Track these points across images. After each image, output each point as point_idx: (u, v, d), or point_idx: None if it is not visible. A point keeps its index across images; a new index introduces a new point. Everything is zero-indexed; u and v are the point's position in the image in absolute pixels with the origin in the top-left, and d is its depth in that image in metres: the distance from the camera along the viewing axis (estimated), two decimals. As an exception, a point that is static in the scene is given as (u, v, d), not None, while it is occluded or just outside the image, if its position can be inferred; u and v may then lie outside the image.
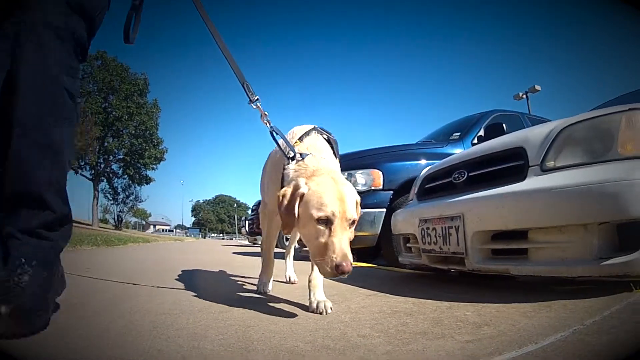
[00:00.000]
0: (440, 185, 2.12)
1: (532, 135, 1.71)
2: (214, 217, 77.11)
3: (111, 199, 26.99)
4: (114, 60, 23.60)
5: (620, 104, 2.62)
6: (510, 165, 1.69)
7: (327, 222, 1.11)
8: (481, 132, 4.33)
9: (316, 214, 1.12)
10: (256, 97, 1.47)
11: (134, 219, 51.89)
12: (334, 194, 1.15)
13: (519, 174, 1.62)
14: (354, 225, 1.20)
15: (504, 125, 3.37)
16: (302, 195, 1.16)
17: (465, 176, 1.90)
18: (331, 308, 1.30)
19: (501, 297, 1.45)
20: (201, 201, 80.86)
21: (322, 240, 1.11)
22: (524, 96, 15.47)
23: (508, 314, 1.18)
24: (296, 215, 1.16)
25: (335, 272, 1.05)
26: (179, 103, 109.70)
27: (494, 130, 3.27)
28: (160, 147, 24.89)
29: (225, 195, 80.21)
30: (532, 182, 1.55)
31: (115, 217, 28.37)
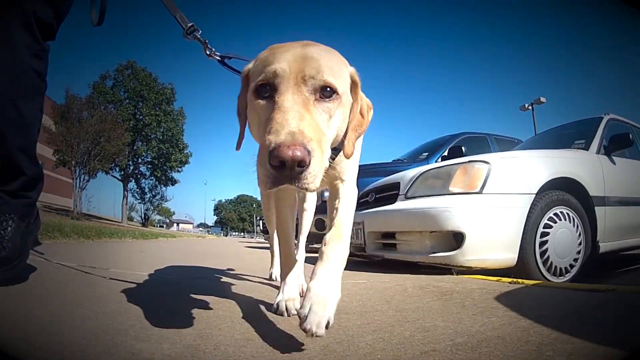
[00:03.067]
0: (363, 201, 3.25)
1: (406, 175, 2.81)
2: (236, 216, 79.51)
3: (139, 198, 29.21)
4: (144, 70, 25.76)
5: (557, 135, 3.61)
6: (391, 193, 2.80)
7: (271, 89, 0.73)
8: (445, 153, 5.37)
9: (255, 82, 0.75)
10: (190, 25, 1.15)
11: (158, 217, 54.81)
12: (287, 51, 0.76)
13: (395, 199, 2.73)
14: (338, 100, 0.76)
15: (463, 148, 4.41)
16: (247, 75, 0.82)
17: (374, 197, 3.03)
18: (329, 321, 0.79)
19: (378, 271, 2.54)
20: (223, 201, 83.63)
21: (263, 120, 0.72)
22: (530, 107, 15.98)
23: (368, 279, 2.25)
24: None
25: (269, 166, 0.63)
26: (203, 110, 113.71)
27: (455, 152, 4.27)
28: (185, 152, 26.94)
29: (247, 195, 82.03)
30: (398, 205, 2.66)
31: (142, 215, 30.55)
